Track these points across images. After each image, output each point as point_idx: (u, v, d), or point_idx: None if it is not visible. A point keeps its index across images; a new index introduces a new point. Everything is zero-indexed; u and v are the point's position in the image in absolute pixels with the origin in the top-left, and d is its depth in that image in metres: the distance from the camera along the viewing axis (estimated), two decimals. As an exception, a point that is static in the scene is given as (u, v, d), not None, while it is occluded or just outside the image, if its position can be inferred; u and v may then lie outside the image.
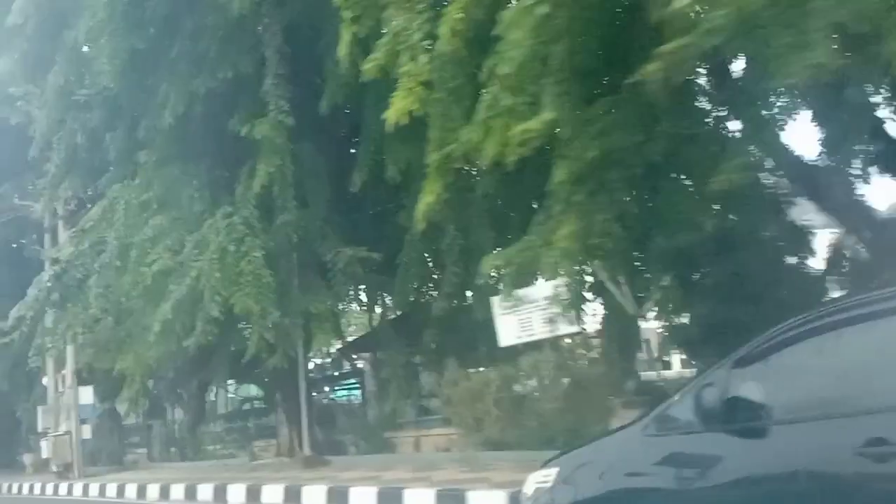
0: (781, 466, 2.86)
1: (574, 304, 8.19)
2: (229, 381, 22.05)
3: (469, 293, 12.36)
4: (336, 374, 20.57)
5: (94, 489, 14.32)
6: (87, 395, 17.98)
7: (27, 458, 22.50)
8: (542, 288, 9.74)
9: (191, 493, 11.40)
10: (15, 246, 21.12)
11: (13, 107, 21.39)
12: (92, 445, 18.68)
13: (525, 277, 6.73)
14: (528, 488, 4.00)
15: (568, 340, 10.52)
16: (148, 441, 19.73)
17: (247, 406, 22.01)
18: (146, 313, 11.50)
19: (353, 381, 20.41)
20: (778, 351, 3.07)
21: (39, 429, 19.22)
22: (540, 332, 10.29)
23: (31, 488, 16.87)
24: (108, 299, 11.19)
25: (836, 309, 3.09)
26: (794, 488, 2.80)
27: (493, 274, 7.46)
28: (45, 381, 20.11)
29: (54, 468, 17.56)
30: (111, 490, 13.64)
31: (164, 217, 11.89)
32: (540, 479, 3.91)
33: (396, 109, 5.84)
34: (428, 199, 6.27)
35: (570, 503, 3.61)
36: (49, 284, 11.86)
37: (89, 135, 14.17)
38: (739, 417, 2.96)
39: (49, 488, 16.07)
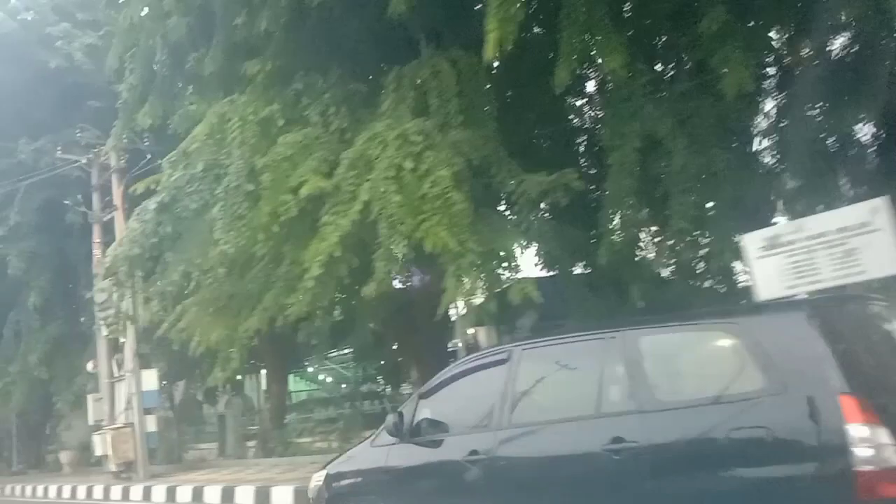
0: (448, 465, 4.65)
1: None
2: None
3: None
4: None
5: (184, 493, 11.31)
6: (150, 379, 15.06)
7: (64, 456, 19.70)
8: (837, 216, 7.17)
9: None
10: (54, 209, 18.09)
11: (52, 48, 18.42)
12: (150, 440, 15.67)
13: None
14: (311, 486, 5.58)
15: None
16: (221, 434, 16.72)
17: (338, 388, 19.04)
18: (284, 256, 8.61)
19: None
20: (444, 387, 5.03)
21: (91, 421, 16.28)
22: (832, 277, 7.53)
23: (90, 492, 13.88)
24: (241, 234, 8.21)
25: (475, 357, 5.23)
26: (451, 477, 4.60)
27: None
28: (90, 366, 17.15)
29: (113, 467, 14.65)
30: (213, 495, 10.63)
31: (298, 135, 9.00)
32: (316, 479, 5.49)
33: None
34: None
35: (327, 499, 5.33)
36: (155, 215, 8.80)
37: (171, 50, 11.36)
38: (423, 433, 4.81)
39: (116, 492, 13.09)
